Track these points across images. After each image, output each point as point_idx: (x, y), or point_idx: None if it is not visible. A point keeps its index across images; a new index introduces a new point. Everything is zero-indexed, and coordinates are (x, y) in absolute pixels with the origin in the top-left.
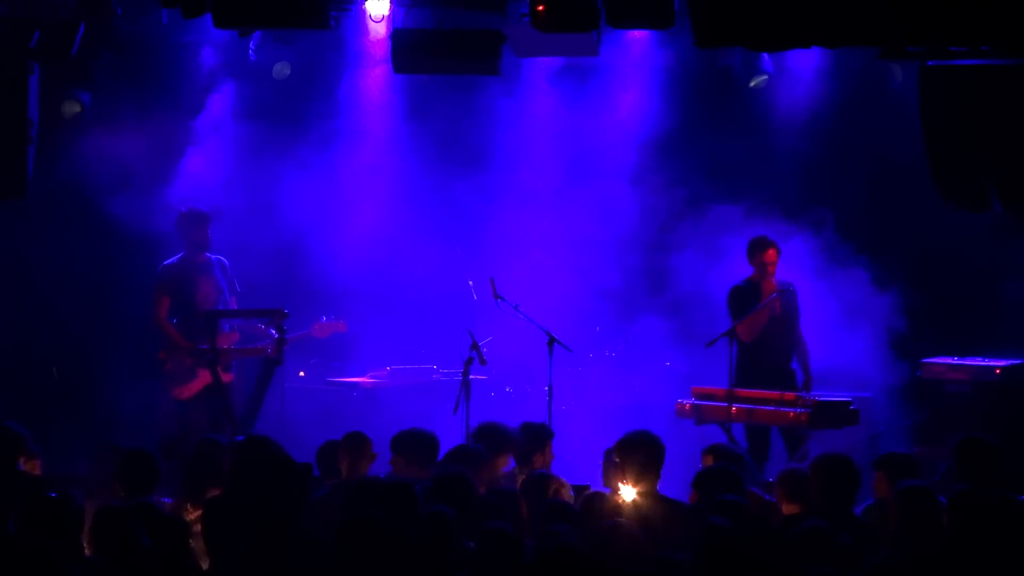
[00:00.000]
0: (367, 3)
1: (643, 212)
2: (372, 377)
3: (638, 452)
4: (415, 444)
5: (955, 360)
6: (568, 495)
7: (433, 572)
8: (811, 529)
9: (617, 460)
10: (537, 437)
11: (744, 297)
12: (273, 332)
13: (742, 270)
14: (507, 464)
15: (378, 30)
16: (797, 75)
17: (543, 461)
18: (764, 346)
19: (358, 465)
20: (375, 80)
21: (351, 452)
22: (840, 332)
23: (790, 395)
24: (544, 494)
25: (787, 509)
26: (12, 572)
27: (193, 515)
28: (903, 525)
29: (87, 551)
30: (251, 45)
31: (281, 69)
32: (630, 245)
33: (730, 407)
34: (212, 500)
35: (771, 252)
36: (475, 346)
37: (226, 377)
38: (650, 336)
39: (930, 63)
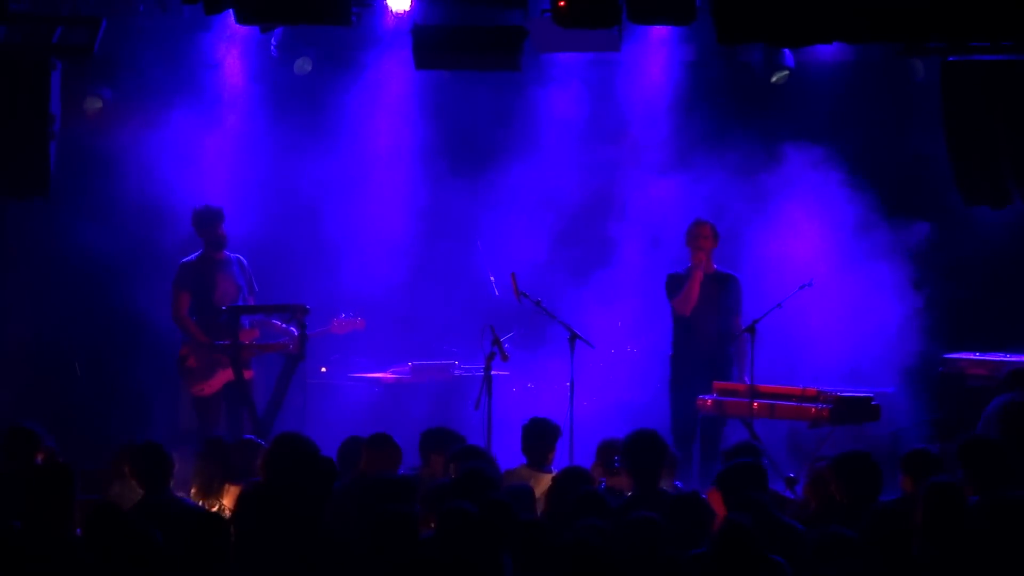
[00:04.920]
0: None
1: (665, 209)
2: (394, 373)
3: (643, 454)
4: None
5: (977, 355)
6: None
7: (455, 566)
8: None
9: (621, 461)
10: (548, 433)
11: (680, 281)
12: (293, 328)
13: (762, 268)
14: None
15: (399, 26)
16: (820, 70)
17: (550, 458)
18: (694, 326)
19: (379, 466)
20: (396, 76)
21: (374, 453)
22: (862, 327)
23: (812, 391)
24: (589, 486)
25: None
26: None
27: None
28: (930, 521)
29: None
30: (272, 41)
31: (302, 65)
32: (653, 241)
33: (752, 403)
34: (244, 493)
35: (705, 229)
36: (497, 342)
37: (246, 373)
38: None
39: (951, 58)
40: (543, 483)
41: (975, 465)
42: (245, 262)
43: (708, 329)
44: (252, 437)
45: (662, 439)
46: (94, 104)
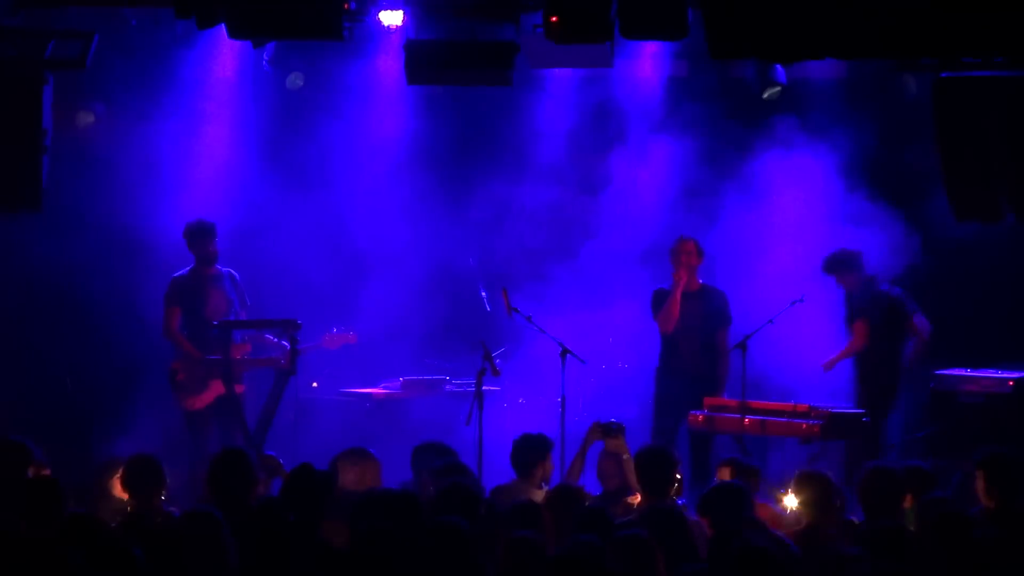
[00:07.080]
0: (381, 14)
1: (657, 224)
2: (385, 388)
3: (654, 467)
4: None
5: (968, 372)
6: None
7: None
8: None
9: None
10: (537, 448)
11: (664, 297)
12: (285, 343)
13: (752, 283)
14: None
15: (391, 41)
16: (812, 87)
17: (544, 473)
18: (678, 342)
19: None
20: (388, 91)
21: (353, 465)
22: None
23: (803, 407)
24: (578, 505)
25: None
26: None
27: None
28: (927, 536)
29: None
30: (265, 56)
31: (294, 80)
32: (644, 256)
33: (743, 418)
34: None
35: (688, 245)
36: (488, 357)
37: (238, 388)
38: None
39: (943, 75)
40: (535, 499)
41: (993, 477)
42: (237, 276)
43: (692, 345)
44: (273, 454)
45: (672, 454)
46: (86, 118)
